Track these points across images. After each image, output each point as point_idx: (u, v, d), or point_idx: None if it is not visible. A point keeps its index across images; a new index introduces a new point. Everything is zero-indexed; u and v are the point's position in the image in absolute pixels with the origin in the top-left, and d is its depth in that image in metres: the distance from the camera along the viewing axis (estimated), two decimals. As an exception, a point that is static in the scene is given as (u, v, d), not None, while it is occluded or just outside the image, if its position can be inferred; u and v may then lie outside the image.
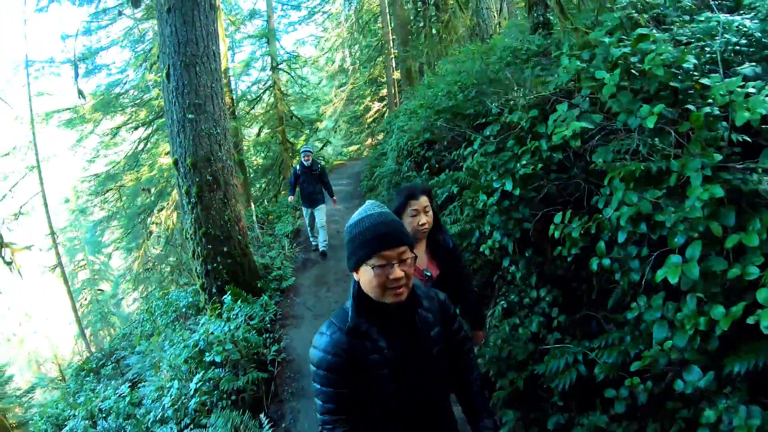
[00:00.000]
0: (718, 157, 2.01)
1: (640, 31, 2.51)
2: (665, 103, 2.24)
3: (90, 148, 17.52)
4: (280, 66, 17.97)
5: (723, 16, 3.00)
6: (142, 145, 15.88)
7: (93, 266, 27.31)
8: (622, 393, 2.36)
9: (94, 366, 8.43)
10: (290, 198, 8.62)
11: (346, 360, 1.50)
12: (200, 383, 4.30)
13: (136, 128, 15.84)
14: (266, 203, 16.62)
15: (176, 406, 4.28)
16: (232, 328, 4.80)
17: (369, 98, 23.38)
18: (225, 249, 6.06)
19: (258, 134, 19.14)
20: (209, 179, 5.97)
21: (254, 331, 5.26)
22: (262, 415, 4.13)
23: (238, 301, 5.68)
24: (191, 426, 4.12)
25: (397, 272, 1.46)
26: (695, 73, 2.39)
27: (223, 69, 12.81)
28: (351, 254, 1.54)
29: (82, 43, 17.82)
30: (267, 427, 3.95)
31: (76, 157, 19.40)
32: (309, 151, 7.98)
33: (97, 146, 17.38)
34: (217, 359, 4.44)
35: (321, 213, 8.06)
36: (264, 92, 18.52)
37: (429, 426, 1.66)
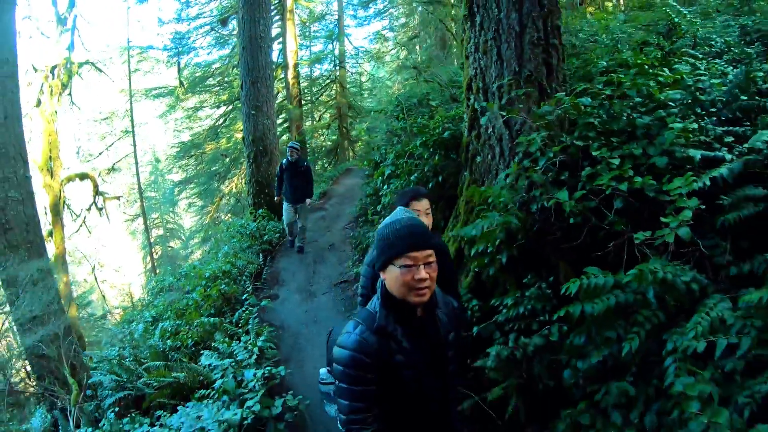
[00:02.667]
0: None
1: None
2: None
3: (177, 119, 22.39)
4: (342, 65, 21.44)
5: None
6: (222, 120, 19.83)
7: (167, 225, 30.65)
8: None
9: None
10: (276, 198, 8.61)
11: (375, 359, 1.58)
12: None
13: (218, 106, 20.40)
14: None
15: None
16: (259, 225, 9.41)
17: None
18: (266, 191, 10.50)
19: (318, 119, 23.11)
20: (261, 149, 10.47)
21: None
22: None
23: (265, 217, 10.10)
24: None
25: (422, 273, 1.57)
26: None
27: (292, 64, 17.18)
28: (380, 254, 1.65)
29: (174, 29, 22.13)
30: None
31: (164, 126, 24.43)
32: (295, 148, 8.24)
33: (182, 119, 22.28)
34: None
35: (304, 212, 8.46)
36: (327, 84, 22.36)
37: (441, 427, 1.78)
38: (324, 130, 23.46)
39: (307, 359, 5.24)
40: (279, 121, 18.73)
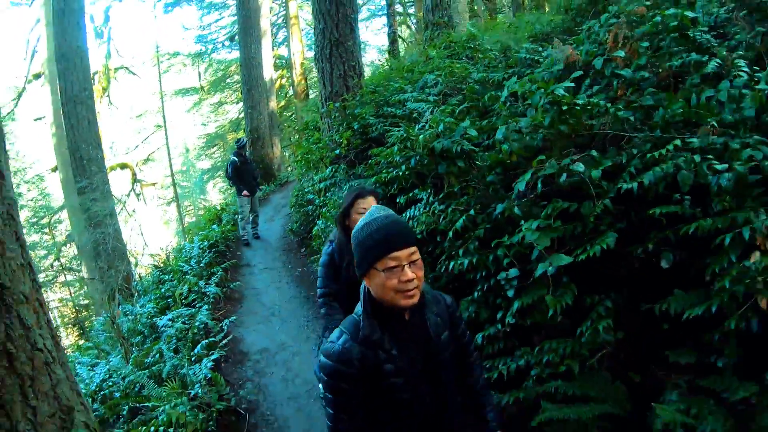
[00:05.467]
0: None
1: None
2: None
3: (203, 114, 26.97)
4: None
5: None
6: (241, 114, 21.44)
7: (198, 211, 32.87)
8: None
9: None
10: (245, 193, 8.62)
11: (359, 370, 1.53)
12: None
13: (237, 102, 24.51)
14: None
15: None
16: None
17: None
18: (260, 165, 14.62)
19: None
20: (256, 136, 14.71)
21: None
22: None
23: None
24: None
25: (408, 273, 1.49)
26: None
27: (299, 63, 21.48)
28: (361, 259, 1.56)
29: (197, 34, 26.18)
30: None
31: (191, 120, 28.82)
32: (244, 145, 8.99)
33: (208, 113, 26.85)
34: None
35: (257, 201, 9.18)
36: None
37: None
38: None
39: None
40: (289, 114, 23.06)
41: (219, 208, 13.13)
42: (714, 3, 3.75)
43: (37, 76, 17.63)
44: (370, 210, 1.63)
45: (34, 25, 17.09)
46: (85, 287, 15.44)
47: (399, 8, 19.66)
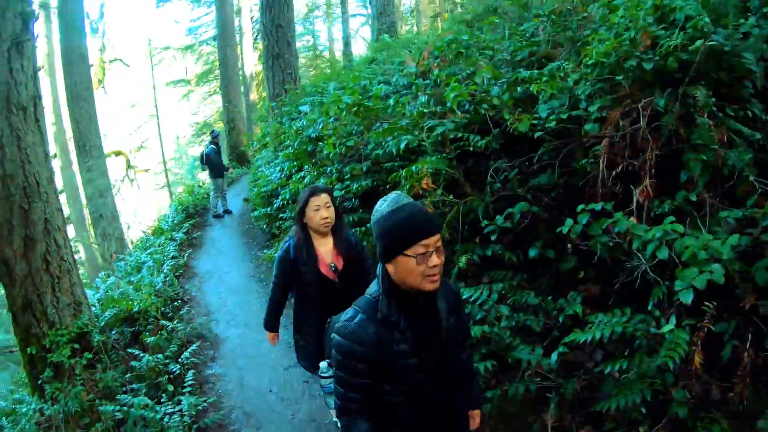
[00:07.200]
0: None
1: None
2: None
3: (193, 104, 29.43)
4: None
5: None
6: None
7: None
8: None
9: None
10: (230, 170, 12.22)
11: (375, 350, 1.59)
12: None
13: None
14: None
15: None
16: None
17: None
18: (236, 151, 17.15)
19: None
20: (232, 126, 17.19)
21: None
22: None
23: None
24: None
25: (435, 259, 1.57)
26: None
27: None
28: (390, 245, 1.59)
29: (188, 26, 28.49)
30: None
31: (183, 109, 30.95)
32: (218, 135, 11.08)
33: (198, 102, 29.31)
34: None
35: (226, 181, 11.54)
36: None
37: (448, 417, 1.81)
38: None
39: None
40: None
41: (197, 185, 15.68)
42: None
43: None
44: (392, 196, 1.66)
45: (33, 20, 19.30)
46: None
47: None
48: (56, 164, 20.46)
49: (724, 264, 2.22)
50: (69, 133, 14.61)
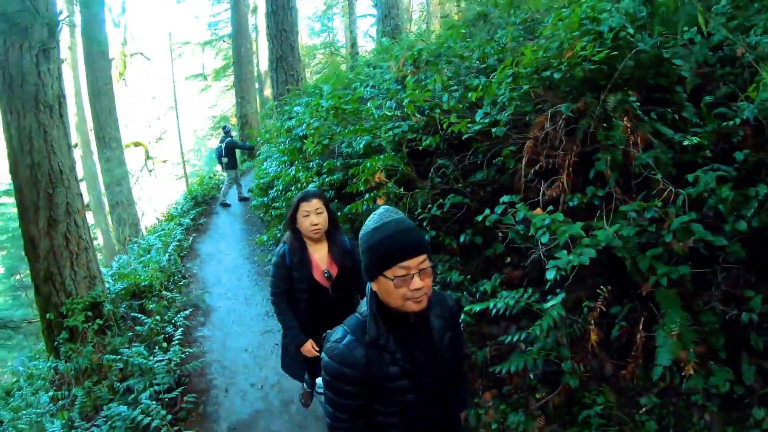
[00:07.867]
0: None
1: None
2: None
3: (211, 98, 30.57)
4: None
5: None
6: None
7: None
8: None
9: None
10: (251, 155, 13.98)
11: (364, 372, 1.55)
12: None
13: None
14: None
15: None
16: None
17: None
18: (246, 131, 17.97)
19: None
20: (245, 121, 18.00)
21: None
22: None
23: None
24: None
25: (417, 282, 1.49)
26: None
27: None
28: (369, 264, 1.55)
29: (208, 21, 29.62)
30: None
31: (200, 103, 32.09)
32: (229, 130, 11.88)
33: (216, 96, 30.38)
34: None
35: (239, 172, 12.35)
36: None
37: (444, 428, 1.79)
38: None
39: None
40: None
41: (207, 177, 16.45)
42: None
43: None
44: (380, 212, 1.60)
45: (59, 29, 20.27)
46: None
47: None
48: (77, 153, 21.60)
49: (615, 250, 2.65)
50: (90, 124, 15.42)
